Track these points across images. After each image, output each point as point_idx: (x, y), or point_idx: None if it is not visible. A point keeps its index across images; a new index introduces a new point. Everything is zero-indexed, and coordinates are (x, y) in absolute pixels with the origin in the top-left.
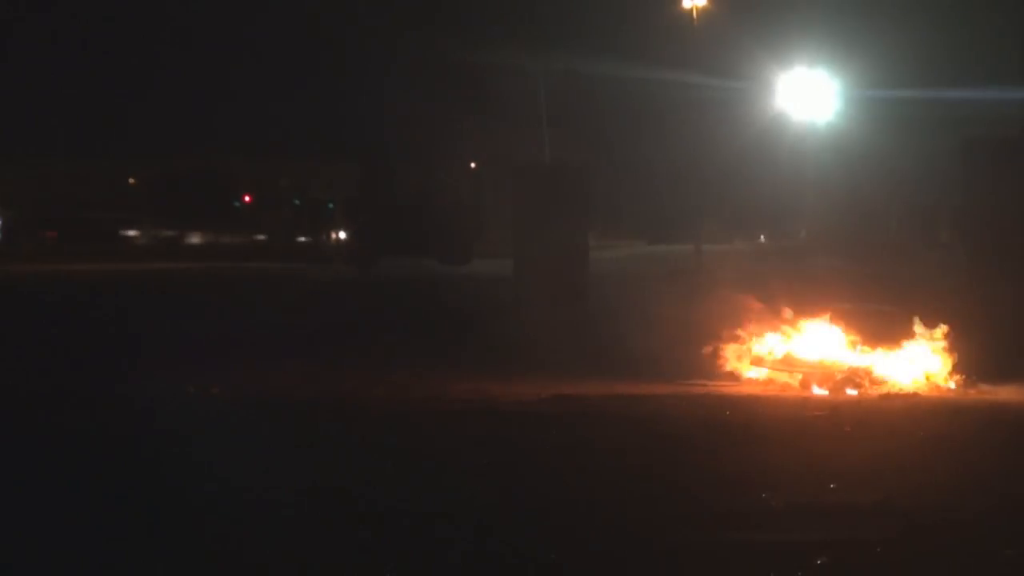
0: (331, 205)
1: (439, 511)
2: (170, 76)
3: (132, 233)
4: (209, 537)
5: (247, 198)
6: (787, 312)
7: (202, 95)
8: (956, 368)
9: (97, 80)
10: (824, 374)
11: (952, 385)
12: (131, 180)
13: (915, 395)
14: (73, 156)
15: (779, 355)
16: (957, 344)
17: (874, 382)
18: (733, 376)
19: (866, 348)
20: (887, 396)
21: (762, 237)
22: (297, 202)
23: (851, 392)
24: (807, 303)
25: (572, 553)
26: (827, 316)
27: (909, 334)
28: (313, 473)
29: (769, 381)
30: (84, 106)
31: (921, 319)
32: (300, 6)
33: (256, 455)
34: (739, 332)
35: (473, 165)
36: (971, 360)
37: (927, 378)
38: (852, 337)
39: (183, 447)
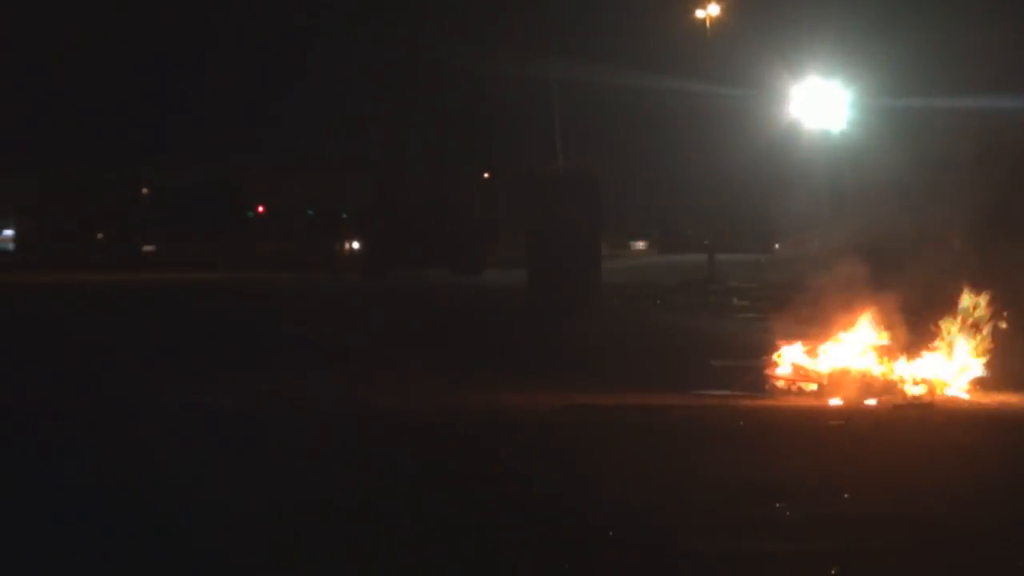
0: (344, 215)
1: (452, 520)
2: (184, 86)
3: (148, 247)
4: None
5: (260, 208)
6: (803, 321)
7: (216, 104)
8: (972, 376)
9: (110, 89)
10: (840, 384)
11: (966, 395)
12: (144, 190)
13: (930, 404)
14: (86, 165)
15: (795, 364)
16: (974, 352)
17: (890, 391)
18: (749, 386)
19: (884, 357)
20: (902, 405)
21: (776, 246)
22: (310, 212)
23: (868, 402)
24: (822, 312)
25: (586, 562)
26: (843, 324)
27: (927, 342)
28: (325, 484)
29: (785, 391)
30: (97, 114)
31: (936, 329)
32: (313, 17)
33: (274, 466)
34: (755, 341)
35: (486, 174)
36: (987, 368)
37: (943, 386)
38: (870, 346)
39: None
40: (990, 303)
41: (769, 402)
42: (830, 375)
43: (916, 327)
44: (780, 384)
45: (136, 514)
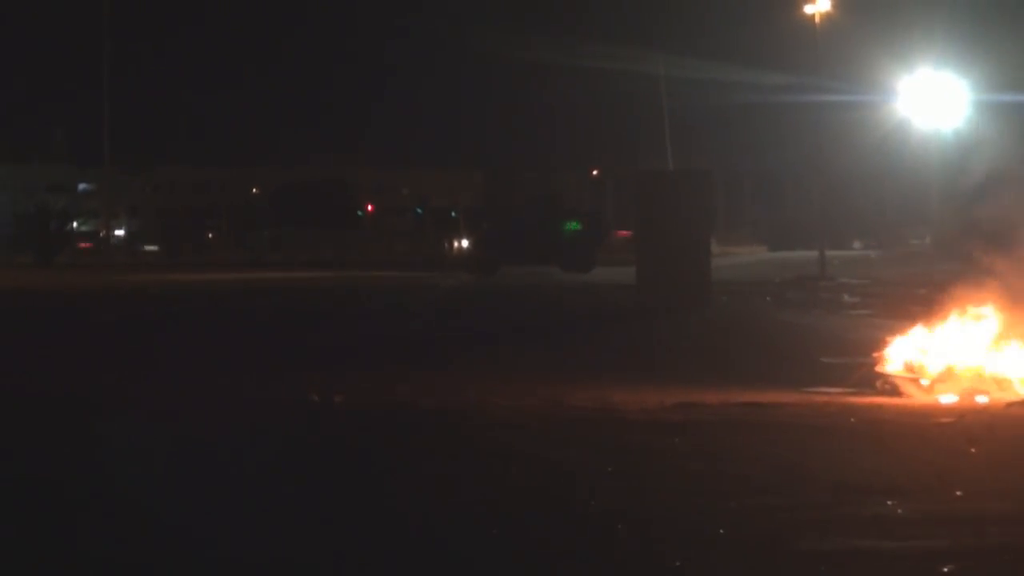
0: (454, 213)
1: (561, 517)
2: (294, 88)
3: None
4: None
5: (370, 207)
6: (914, 317)
7: (327, 106)
8: None
9: (223, 91)
10: (952, 380)
11: None
12: (255, 189)
13: None
14: (199, 165)
15: (906, 361)
16: None
17: (1003, 388)
18: (859, 383)
19: (996, 353)
20: (1015, 403)
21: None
22: (419, 211)
23: (979, 399)
24: (933, 308)
25: (698, 559)
26: (956, 320)
27: None
28: (431, 481)
29: (895, 388)
30: (209, 115)
31: None
32: (421, 19)
33: (378, 463)
34: (866, 338)
35: (595, 172)
36: None
37: None
38: (982, 342)
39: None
40: None
41: (880, 399)
42: (941, 372)
43: None
44: (891, 381)
45: None
